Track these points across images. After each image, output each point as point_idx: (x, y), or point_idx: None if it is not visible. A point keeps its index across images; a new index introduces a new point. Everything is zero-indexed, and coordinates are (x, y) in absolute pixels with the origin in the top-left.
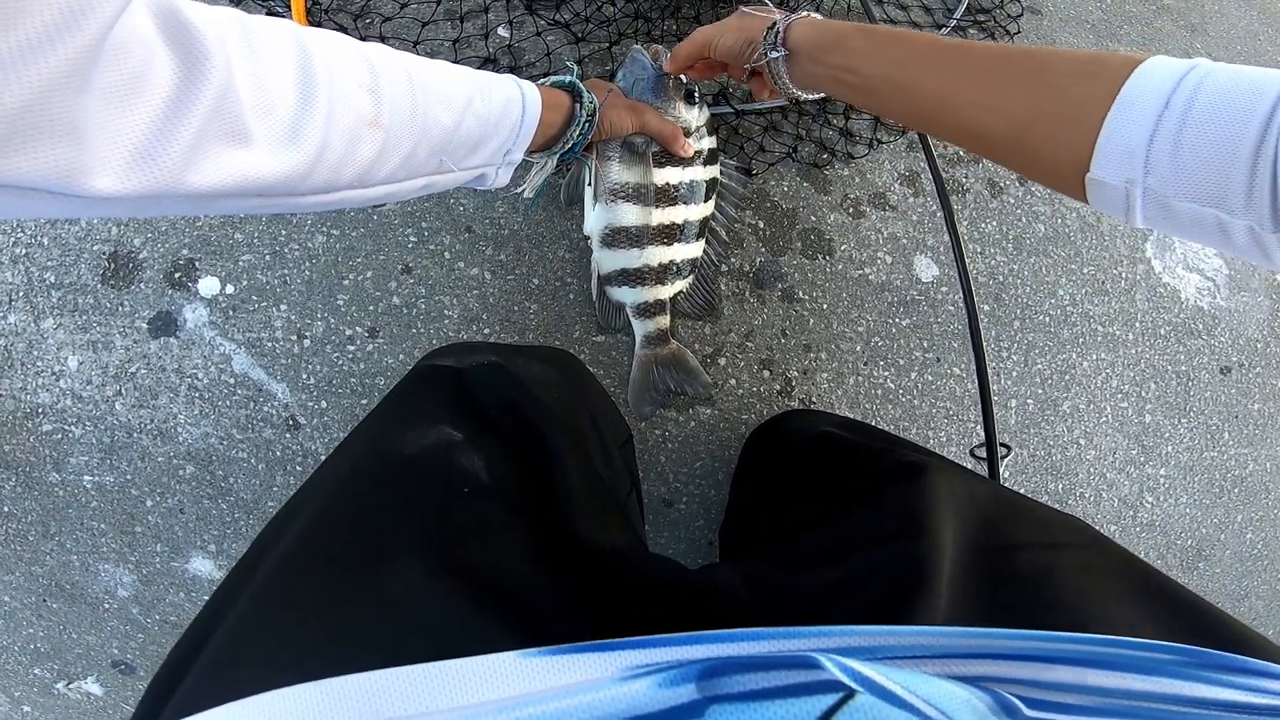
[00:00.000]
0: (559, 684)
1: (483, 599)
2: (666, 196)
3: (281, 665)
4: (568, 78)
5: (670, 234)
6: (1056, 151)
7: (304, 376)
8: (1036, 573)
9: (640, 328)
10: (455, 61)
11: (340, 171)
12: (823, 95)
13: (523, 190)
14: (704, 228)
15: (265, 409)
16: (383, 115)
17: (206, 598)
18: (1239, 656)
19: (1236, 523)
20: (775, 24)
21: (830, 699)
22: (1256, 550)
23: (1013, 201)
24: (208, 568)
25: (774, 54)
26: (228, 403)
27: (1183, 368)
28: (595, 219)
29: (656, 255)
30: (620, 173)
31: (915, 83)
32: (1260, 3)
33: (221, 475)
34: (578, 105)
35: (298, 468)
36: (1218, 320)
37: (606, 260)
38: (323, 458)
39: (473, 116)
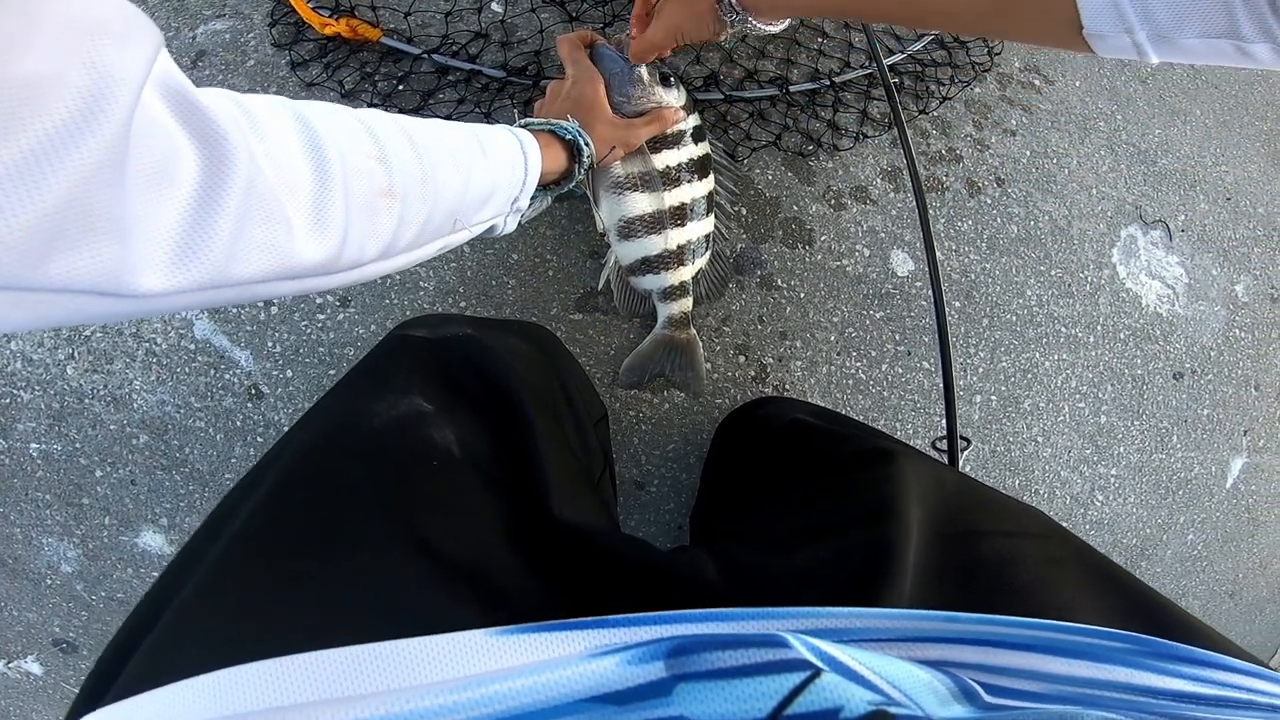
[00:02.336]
0: (526, 662)
1: (451, 576)
2: (669, 178)
3: (239, 643)
4: (569, 131)
5: (681, 214)
6: (1042, 19)
7: (269, 344)
8: (999, 560)
9: (664, 310)
10: (445, 36)
11: (365, 247)
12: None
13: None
14: (710, 202)
15: (226, 377)
16: (395, 184)
17: (156, 574)
18: (1188, 647)
19: (1179, 524)
20: None
21: (797, 677)
22: (1196, 551)
23: (989, 202)
24: (158, 543)
25: (740, 17)
26: (187, 369)
27: (1139, 371)
28: (606, 214)
29: (674, 238)
30: (620, 166)
31: None
32: None
33: (177, 445)
34: (576, 159)
35: (259, 439)
36: (1175, 327)
37: (626, 252)
38: (286, 429)
39: (479, 172)
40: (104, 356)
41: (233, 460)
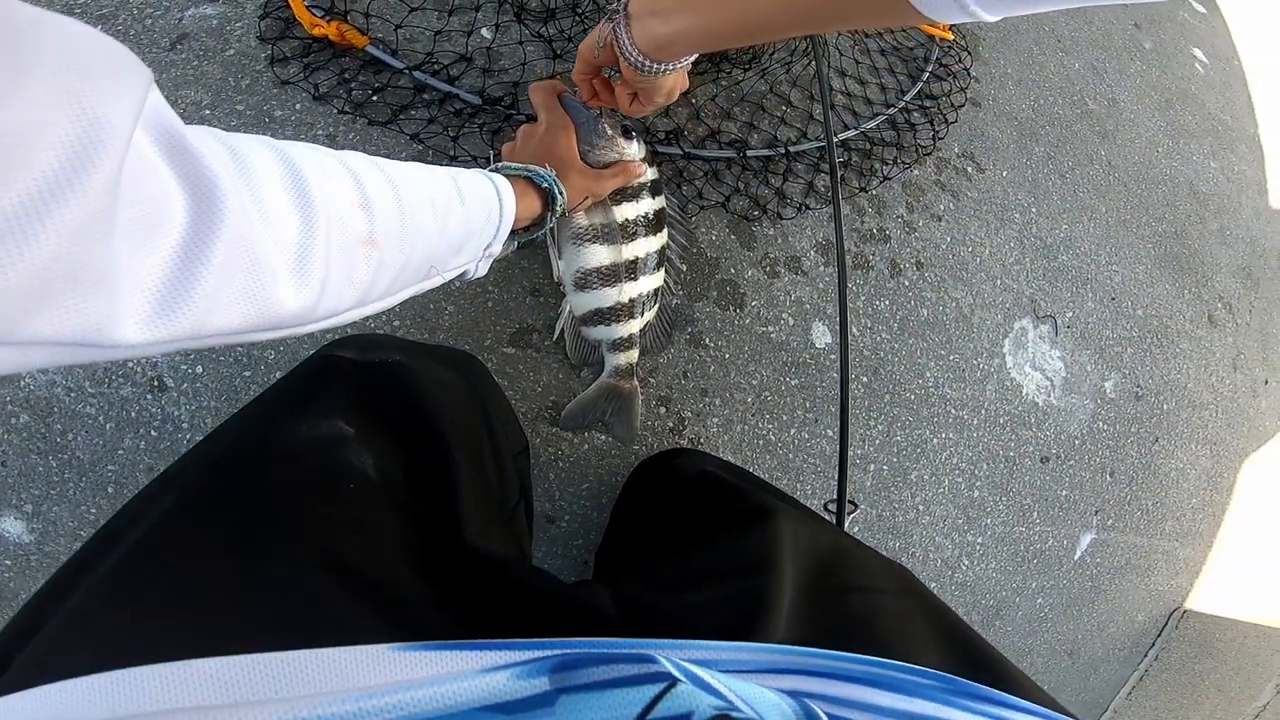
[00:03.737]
0: (425, 675)
1: (357, 593)
2: (627, 232)
3: (132, 648)
4: (545, 179)
5: (635, 268)
6: None
7: None
8: (865, 613)
9: (611, 360)
10: (430, 54)
11: (342, 295)
12: (673, 64)
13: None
14: (662, 256)
15: (129, 365)
16: (376, 233)
17: (9, 562)
18: (986, 687)
19: (1031, 589)
20: (614, 16)
21: (659, 687)
22: (1044, 614)
23: (907, 284)
24: (18, 529)
25: (616, 16)
26: None
27: (1011, 453)
28: (565, 264)
29: (627, 291)
30: (584, 217)
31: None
32: (1171, 117)
33: (60, 430)
34: (549, 208)
35: (152, 432)
36: (1047, 416)
37: (581, 302)
38: (185, 426)
39: (456, 219)
40: None
41: (120, 452)
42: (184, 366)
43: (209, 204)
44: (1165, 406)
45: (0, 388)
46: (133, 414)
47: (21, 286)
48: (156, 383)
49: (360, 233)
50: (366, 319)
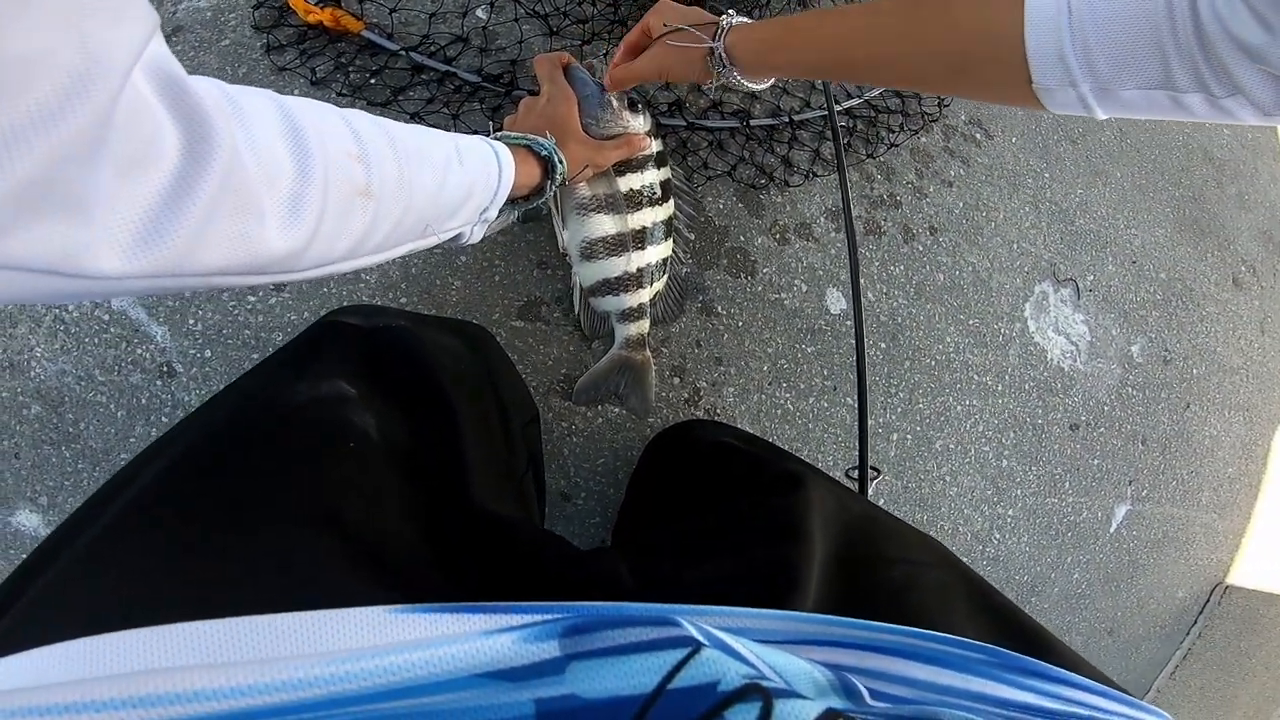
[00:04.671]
0: (423, 637)
1: (356, 554)
2: (633, 202)
3: (126, 611)
4: (545, 148)
5: (641, 238)
6: (999, 75)
7: (190, 322)
8: (898, 586)
9: (622, 331)
10: (426, 36)
11: (334, 244)
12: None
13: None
14: (669, 227)
15: (138, 351)
16: (373, 184)
17: (25, 556)
18: (1039, 662)
19: (1066, 564)
20: (714, 49)
21: (682, 653)
22: (1081, 590)
23: (921, 249)
24: (34, 523)
25: (727, 71)
26: (96, 341)
27: (1039, 421)
28: (570, 235)
29: (634, 260)
30: (586, 187)
31: (851, 56)
32: None
33: (72, 419)
34: (549, 176)
35: (164, 419)
36: (1074, 381)
37: (587, 273)
38: None
39: (454, 180)
40: (8, 319)
41: (131, 440)
42: (192, 351)
43: (201, 140)
44: (1195, 371)
45: (10, 379)
46: (143, 401)
47: (1, 202)
48: (166, 368)
49: (358, 182)
50: (372, 287)
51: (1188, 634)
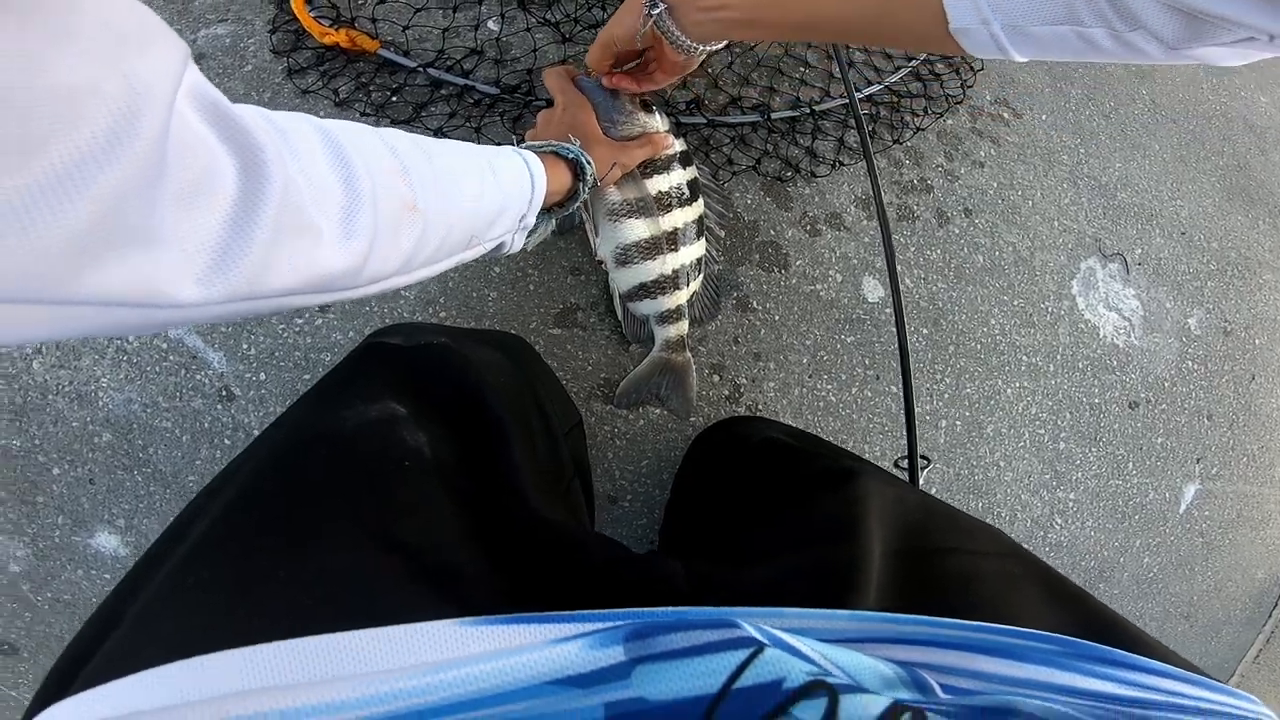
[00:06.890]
0: (493, 648)
1: (418, 575)
2: (662, 203)
3: (202, 640)
4: (571, 151)
5: (674, 239)
6: (919, 18)
7: (244, 346)
8: (960, 577)
9: (661, 333)
10: (441, 51)
11: (388, 259)
12: (722, 45)
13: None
14: (701, 226)
15: (198, 377)
16: (418, 199)
17: (109, 576)
18: (1113, 650)
19: (1135, 548)
20: None
21: (745, 653)
22: (1152, 574)
23: (957, 232)
24: (113, 544)
25: (655, 10)
26: (157, 369)
27: (1095, 400)
28: (604, 242)
29: (669, 263)
30: (616, 192)
31: (785, 6)
32: None
33: (141, 445)
34: (580, 178)
35: (226, 441)
36: (1130, 358)
37: (623, 278)
38: (256, 432)
39: (490, 189)
40: (72, 352)
41: (198, 462)
42: (248, 375)
43: (257, 167)
44: (1257, 342)
45: (80, 409)
46: (206, 424)
47: (71, 241)
48: (224, 392)
49: (404, 198)
50: (411, 303)
51: (1270, 616)
